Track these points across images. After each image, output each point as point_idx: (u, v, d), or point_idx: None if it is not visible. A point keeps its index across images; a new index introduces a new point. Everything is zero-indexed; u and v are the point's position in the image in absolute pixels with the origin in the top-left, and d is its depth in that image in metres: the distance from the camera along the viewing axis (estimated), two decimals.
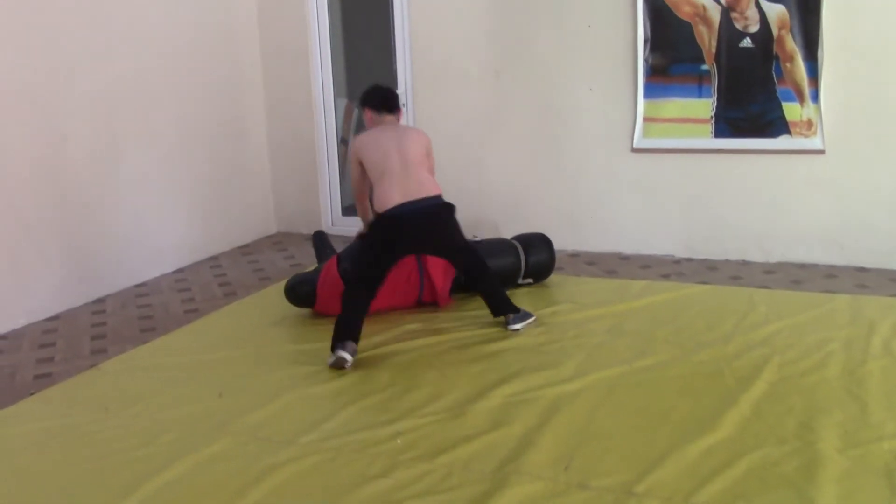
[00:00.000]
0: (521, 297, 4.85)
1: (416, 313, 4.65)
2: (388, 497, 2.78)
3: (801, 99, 5.37)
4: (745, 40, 5.46)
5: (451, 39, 6.25)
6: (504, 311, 4.40)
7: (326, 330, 4.14)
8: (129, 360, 4.16)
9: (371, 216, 4.41)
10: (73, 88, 5.14)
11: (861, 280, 5.15)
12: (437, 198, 4.29)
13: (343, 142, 6.98)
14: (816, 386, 3.53)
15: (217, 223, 6.43)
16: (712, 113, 5.60)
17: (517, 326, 4.34)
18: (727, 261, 5.71)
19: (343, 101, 7.04)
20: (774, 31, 5.37)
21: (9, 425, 3.47)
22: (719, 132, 5.61)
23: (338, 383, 3.76)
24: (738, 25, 5.45)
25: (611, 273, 5.52)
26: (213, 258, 6.31)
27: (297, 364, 4.02)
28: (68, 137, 5.12)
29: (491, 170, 6.31)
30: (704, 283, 5.18)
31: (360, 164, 4.33)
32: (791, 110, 5.41)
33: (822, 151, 5.38)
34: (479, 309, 4.70)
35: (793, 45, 5.34)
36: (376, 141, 4.30)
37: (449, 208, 4.38)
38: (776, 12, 5.34)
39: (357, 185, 4.46)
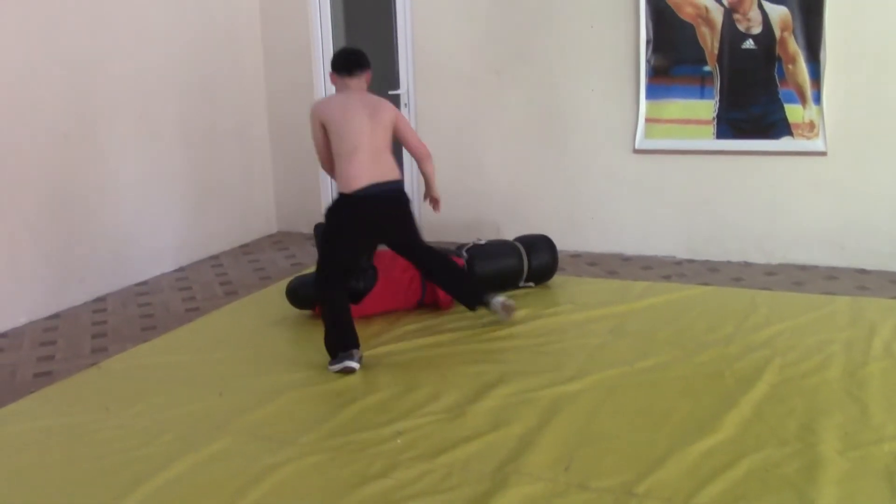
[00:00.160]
0: (522, 297, 4.85)
1: (415, 314, 4.65)
2: (387, 497, 2.78)
3: (804, 101, 5.37)
4: (747, 42, 5.45)
5: (453, 39, 6.25)
6: (477, 301, 4.33)
7: None
8: (129, 358, 4.16)
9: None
10: (75, 87, 5.14)
11: (862, 282, 5.14)
12: (399, 182, 4.12)
13: None
14: (817, 388, 3.52)
15: (218, 222, 6.43)
16: (714, 114, 5.60)
17: (498, 306, 4.29)
18: (728, 262, 5.71)
19: None
20: (777, 33, 5.36)
21: (9, 424, 3.47)
22: (721, 133, 5.60)
23: (338, 383, 3.76)
24: (741, 27, 5.45)
25: (612, 274, 5.52)
26: (214, 257, 6.31)
27: (298, 364, 4.02)
28: (70, 136, 5.12)
29: (492, 170, 6.31)
30: (706, 284, 5.17)
31: (323, 129, 4.03)
32: (793, 112, 5.41)
33: (823, 153, 5.38)
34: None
35: (795, 47, 5.34)
36: (343, 109, 4.01)
37: (406, 196, 4.19)
38: (779, 14, 5.34)
39: (322, 151, 4.11)
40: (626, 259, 5.90)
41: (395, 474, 2.92)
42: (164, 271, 5.89)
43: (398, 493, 2.80)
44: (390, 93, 6.39)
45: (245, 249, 6.55)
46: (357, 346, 3.94)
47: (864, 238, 5.39)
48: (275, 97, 6.88)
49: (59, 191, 5.07)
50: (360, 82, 4.12)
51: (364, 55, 4.18)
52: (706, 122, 5.63)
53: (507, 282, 4.97)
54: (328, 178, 6.86)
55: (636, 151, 5.85)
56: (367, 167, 3.97)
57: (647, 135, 5.80)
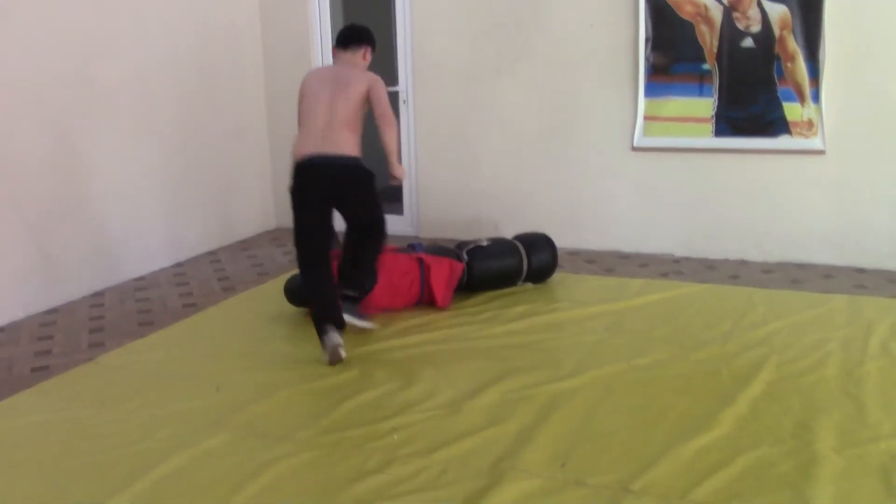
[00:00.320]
0: (520, 294, 4.86)
1: (413, 310, 4.65)
2: (384, 492, 2.78)
3: (802, 99, 5.37)
4: (746, 40, 5.45)
5: (452, 37, 6.25)
6: (342, 289, 4.20)
7: None
8: (126, 354, 4.16)
9: None
10: (76, 83, 5.13)
11: (859, 280, 5.15)
12: (349, 158, 4.01)
13: None
14: (814, 386, 3.53)
15: (216, 218, 6.43)
16: (713, 112, 5.60)
17: (348, 317, 4.13)
18: (726, 260, 5.71)
19: None
20: (776, 32, 5.36)
21: (6, 418, 3.47)
22: (720, 131, 5.61)
23: (335, 379, 3.76)
24: (740, 25, 5.44)
25: (610, 271, 5.52)
26: (212, 253, 6.31)
27: (295, 360, 4.02)
28: (70, 132, 5.12)
29: (491, 167, 6.31)
30: (703, 282, 5.17)
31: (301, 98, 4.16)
32: (792, 110, 5.41)
33: (822, 152, 5.38)
34: (476, 305, 4.70)
35: (794, 46, 5.34)
36: (318, 81, 4.10)
37: (363, 171, 4.06)
38: (778, 12, 5.34)
39: (299, 121, 4.22)
40: (623, 256, 5.90)
41: (392, 470, 2.92)
42: (162, 267, 5.89)
43: (394, 488, 2.80)
44: (388, 90, 6.37)
45: (243, 245, 6.55)
46: (336, 323, 3.96)
47: (862, 237, 5.40)
48: (274, 93, 6.88)
49: (57, 186, 5.06)
50: (353, 57, 4.17)
51: (364, 31, 4.22)
52: (705, 121, 5.63)
53: (507, 281, 4.97)
54: None
55: (635, 149, 5.85)
56: (315, 139, 4.01)
57: (646, 132, 5.80)
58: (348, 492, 2.79)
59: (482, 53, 6.17)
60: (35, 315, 4.90)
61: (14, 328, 4.70)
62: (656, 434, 3.14)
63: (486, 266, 4.88)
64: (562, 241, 5.63)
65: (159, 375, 3.86)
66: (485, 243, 5.01)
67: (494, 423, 3.26)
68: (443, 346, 4.14)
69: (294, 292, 4.64)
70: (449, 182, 6.48)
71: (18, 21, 4.75)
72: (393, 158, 4.11)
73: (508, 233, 5.62)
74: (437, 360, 3.95)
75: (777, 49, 5.39)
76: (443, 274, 4.66)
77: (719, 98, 5.57)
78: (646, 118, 5.78)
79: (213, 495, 2.80)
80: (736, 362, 3.79)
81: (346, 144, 4.01)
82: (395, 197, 6.88)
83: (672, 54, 5.64)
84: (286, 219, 7.02)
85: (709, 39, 5.53)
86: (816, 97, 5.34)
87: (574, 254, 5.95)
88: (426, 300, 4.71)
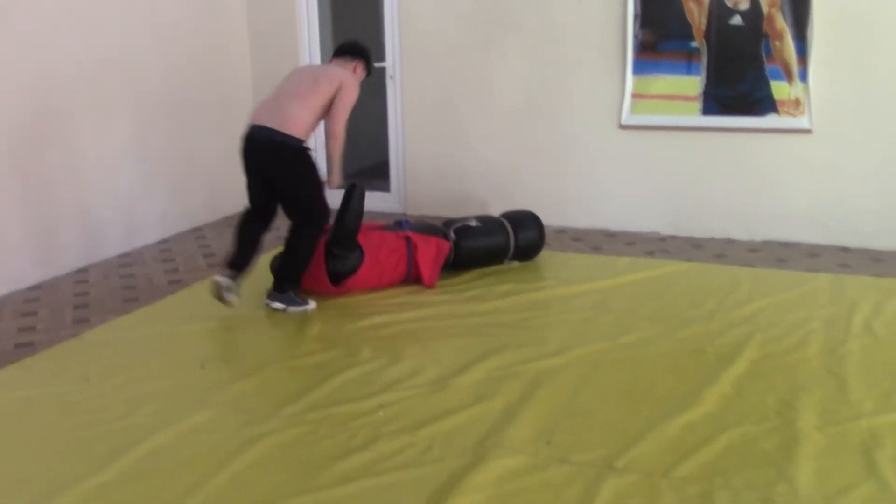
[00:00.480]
0: (506, 272, 4.86)
1: (399, 287, 4.64)
2: (369, 469, 2.79)
3: (790, 78, 5.37)
4: (734, 18, 5.44)
5: (440, 11, 6.20)
6: (274, 283, 4.37)
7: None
8: (111, 330, 4.14)
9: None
10: (58, 60, 5.06)
11: (843, 259, 5.17)
12: (291, 137, 4.08)
13: None
14: (797, 364, 3.55)
15: (201, 194, 6.39)
16: (701, 90, 5.59)
17: (276, 305, 4.28)
18: (712, 238, 5.73)
19: None
20: (764, 9, 5.35)
21: None
22: (707, 110, 5.60)
23: (321, 356, 3.75)
24: (729, 3, 5.42)
25: (596, 249, 5.53)
26: (198, 229, 6.28)
27: (280, 336, 4.02)
28: (53, 107, 5.06)
29: (478, 144, 6.29)
30: (689, 260, 5.19)
31: None
32: (779, 89, 5.41)
33: (808, 131, 5.39)
34: (462, 283, 4.70)
35: (782, 24, 5.32)
36: (300, 68, 4.63)
37: (298, 153, 4.13)
38: None
39: None
40: (610, 234, 5.91)
41: (377, 447, 2.93)
42: (147, 243, 5.85)
43: (379, 465, 2.81)
44: (375, 65, 6.32)
45: (228, 222, 6.50)
46: (235, 266, 4.19)
47: (846, 216, 5.42)
48: (260, 70, 6.81)
49: (41, 161, 5.01)
50: (344, 63, 4.45)
51: (355, 46, 4.52)
52: (692, 99, 5.62)
53: (494, 259, 4.96)
54: (313, 144, 6.82)
55: (622, 127, 5.84)
56: (266, 111, 4.17)
57: (634, 110, 5.78)
58: (333, 468, 2.80)
59: (471, 29, 6.13)
60: (19, 291, 4.87)
61: None
62: (641, 412, 3.15)
63: (473, 245, 4.86)
64: (548, 218, 5.63)
65: (144, 352, 3.84)
66: (473, 223, 4.98)
67: (480, 400, 3.27)
68: (429, 323, 4.14)
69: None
70: (436, 159, 6.45)
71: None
72: (334, 168, 4.36)
73: (496, 210, 5.61)
74: (423, 338, 3.95)
75: (765, 27, 5.37)
76: (430, 253, 4.65)
77: (707, 76, 5.56)
78: (633, 96, 5.76)
79: (199, 471, 2.80)
80: (720, 340, 3.81)
81: (294, 125, 4.10)
82: (381, 174, 6.86)
83: (660, 31, 5.62)
84: None
85: (697, 17, 5.51)
86: (804, 76, 5.33)
87: (561, 232, 5.95)
88: (413, 278, 4.70)
